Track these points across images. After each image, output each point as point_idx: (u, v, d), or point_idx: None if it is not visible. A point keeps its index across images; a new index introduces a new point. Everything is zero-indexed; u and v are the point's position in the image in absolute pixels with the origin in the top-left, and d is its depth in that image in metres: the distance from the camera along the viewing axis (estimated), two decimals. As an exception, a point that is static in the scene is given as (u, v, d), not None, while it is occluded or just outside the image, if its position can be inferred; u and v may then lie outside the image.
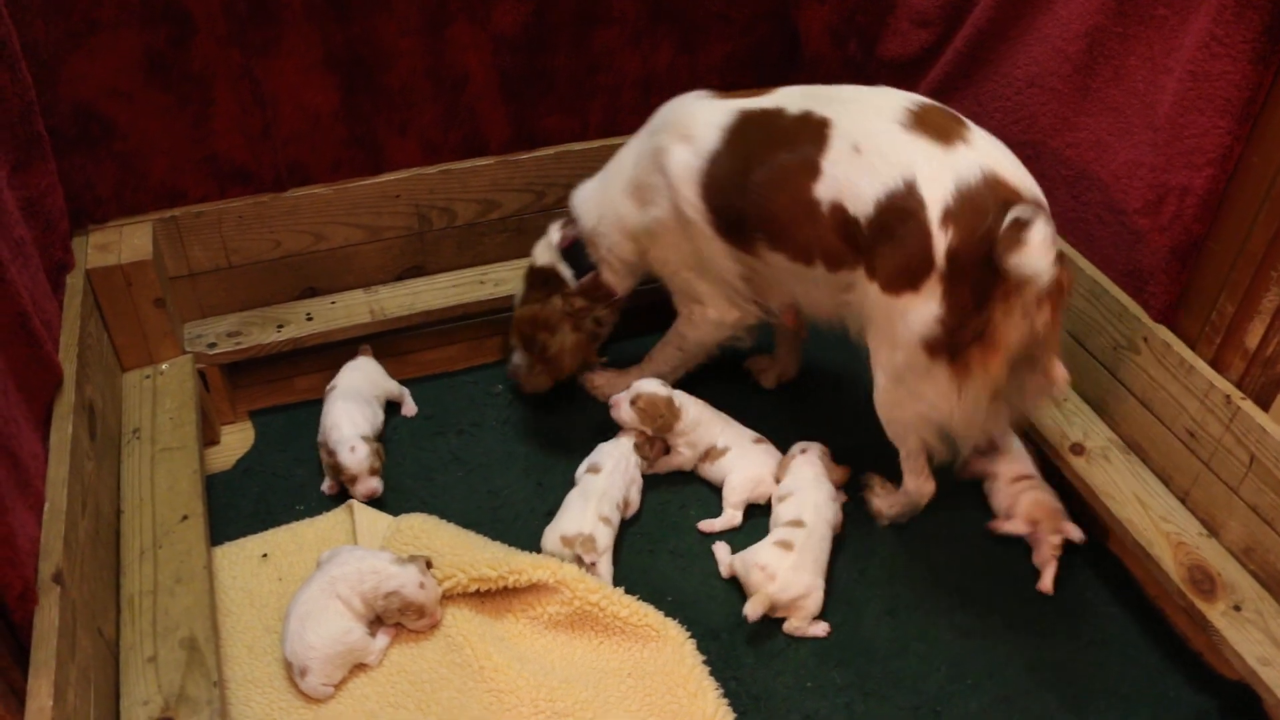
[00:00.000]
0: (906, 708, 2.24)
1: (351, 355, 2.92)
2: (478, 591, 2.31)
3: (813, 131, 2.27)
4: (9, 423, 1.80)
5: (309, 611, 2.16)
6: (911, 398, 2.32)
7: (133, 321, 2.55)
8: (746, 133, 2.38)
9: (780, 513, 2.50)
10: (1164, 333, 2.43)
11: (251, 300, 2.86)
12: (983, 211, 2.08)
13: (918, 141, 2.18)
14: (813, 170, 2.26)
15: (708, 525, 2.60)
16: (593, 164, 2.95)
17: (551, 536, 2.44)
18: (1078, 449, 2.56)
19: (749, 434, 2.71)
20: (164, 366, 2.63)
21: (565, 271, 2.72)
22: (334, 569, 2.22)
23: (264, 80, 2.59)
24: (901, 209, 2.14)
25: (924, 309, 2.16)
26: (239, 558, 2.44)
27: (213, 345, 2.73)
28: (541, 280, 2.76)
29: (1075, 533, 2.49)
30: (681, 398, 2.67)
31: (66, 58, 2.40)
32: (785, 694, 2.25)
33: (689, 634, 2.28)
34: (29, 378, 2.01)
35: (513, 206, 2.99)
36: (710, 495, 2.67)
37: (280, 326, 2.81)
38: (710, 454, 2.67)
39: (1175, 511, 2.41)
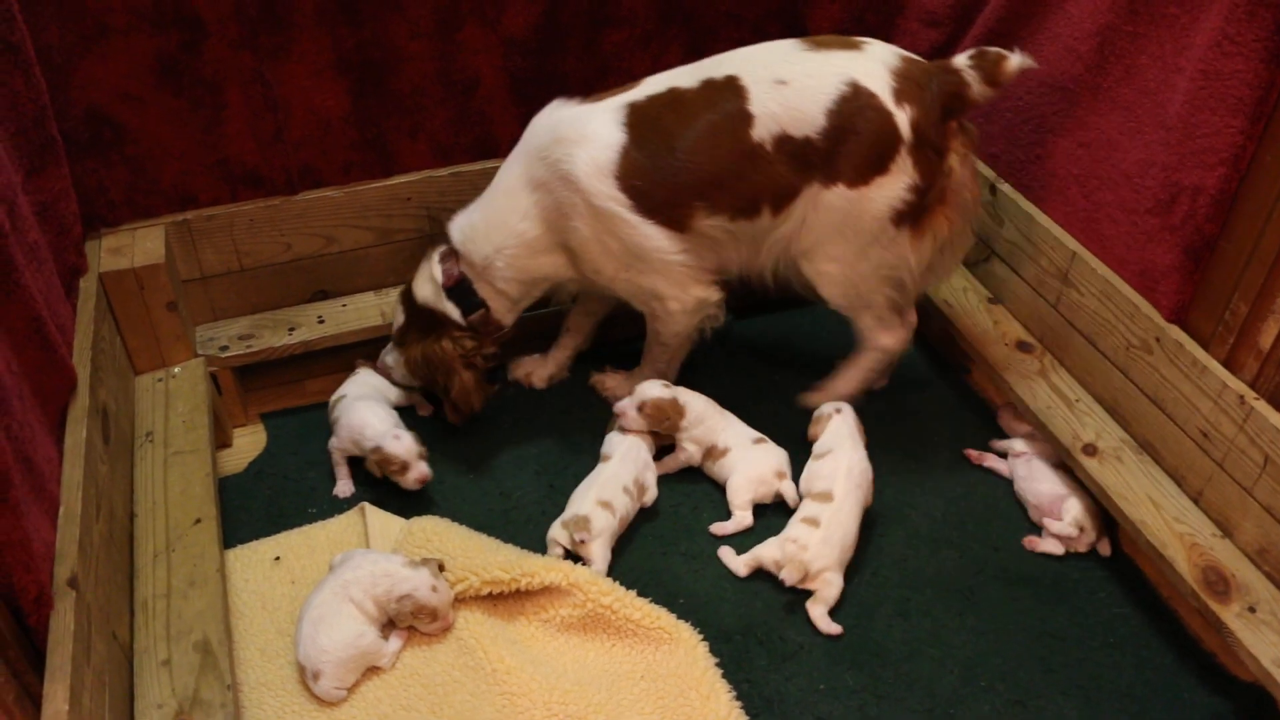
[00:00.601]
0: (920, 710, 2.23)
1: (363, 358, 2.93)
2: (490, 594, 2.32)
3: (724, 89, 2.41)
4: (24, 427, 1.81)
5: (322, 615, 2.17)
6: (871, 271, 2.58)
7: (145, 325, 2.56)
8: (651, 117, 2.43)
9: (816, 470, 2.54)
10: (1177, 333, 2.42)
11: (263, 303, 2.87)
12: (922, 82, 2.40)
13: (832, 54, 2.42)
14: (744, 118, 2.39)
15: (720, 528, 2.59)
16: (603, 166, 2.97)
17: (554, 525, 2.48)
18: (1090, 449, 2.55)
19: (750, 434, 2.70)
20: (176, 369, 2.63)
21: (453, 311, 2.62)
22: (346, 572, 2.23)
23: (275, 84, 2.60)
24: (856, 105, 2.37)
25: (895, 184, 2.42)
26: (251, 561, 2.45)
27: (225, 348, 2.74)
28: (426, 318, 2.66)
29: (1106, 549, 2.55)
30: (685, 396, 2.66)
31: (79, 62, 2.41)
32: (798, 696, 2.24)
33: (701, 636, 2.28)
34: (43, 382, 2.02)
35: (523, 209, 2.99)
36: (722, 497, 2.66)
37: (292, 329, 2.81)
38: (712, 453, 2.67)
39: (1188, 512, 2.41)
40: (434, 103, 2.78)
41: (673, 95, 2.44)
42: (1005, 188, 2.89)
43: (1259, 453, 2.22)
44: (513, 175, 2.54)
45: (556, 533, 2.46)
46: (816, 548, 2.39)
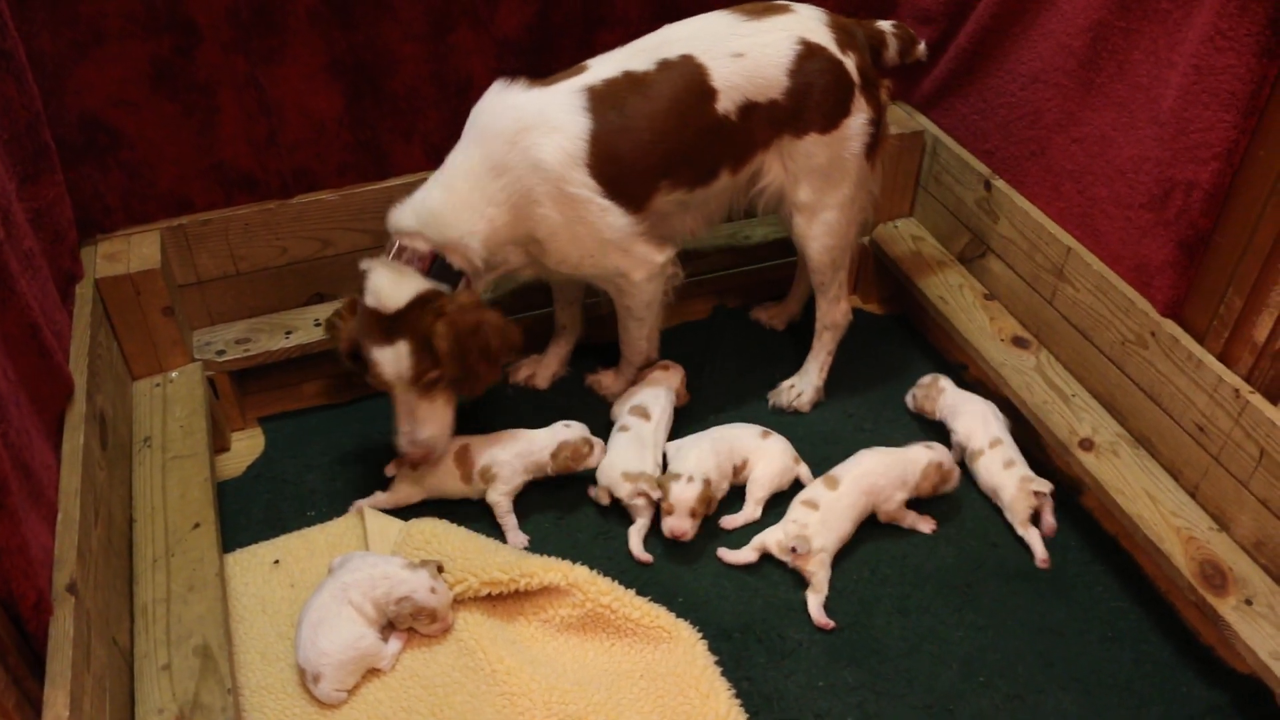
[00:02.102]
0: (919, 706, 2.24)
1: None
2: (489, 595, 2.32)
3: (683, 69, 2.46)
4: (21, 434, 1.81)
5: (321, 618, 2.17)
6: (857, 213, 2.78)
7: (142, 330, 2.56)
8: (614, 101, 2.43)
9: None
10: (1172, 327, 2.42)
11: (260, 307, 2.86)
12: (853, 32, 2.62)
13: (774, 19, 2.55)
14: (709, 94, 2.47)
15: (729, 522, 2.61)
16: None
17: (611, 473, 2.55)
18: (1087, 444, 2.56)
19: (756, 430, 2.71)
20: (174, 374, 2.64)
21: (443, 287, 2.43)
22: (346, 575, 2.23)
23: (269, 87, 2.60)
24: (812, 61, 2.52)
25: (857, 122, 2.61)
26: (251, 564, 2.45)
27: (222, 352, 2.74)
28: (413, 311, 2.39)
29: (1045, 484, 2.61)
30: (703, 466, 2.53)
31: (73, 68, 2.41)
32: (797, 694, 2.25)
33: (700, 635, 2.29)
34: (40, 388, 2.02)
35: (518, 210, 2.98)
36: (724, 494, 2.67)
37: (289, 333, 2.81)
38: (735, 471, 2.65)
39: (1185, 506, 2.41)
40: (428, 104, 2.78)
41: (631, 79, 2.45)
42: (1000, 184, 2.89)
43: (1254, 446, 2.23)
44: (473, 160, 2.44)
45: (614, 481, 2.56)
46: (815, 527, 2.44)
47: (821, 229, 2.71)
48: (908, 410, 2.92)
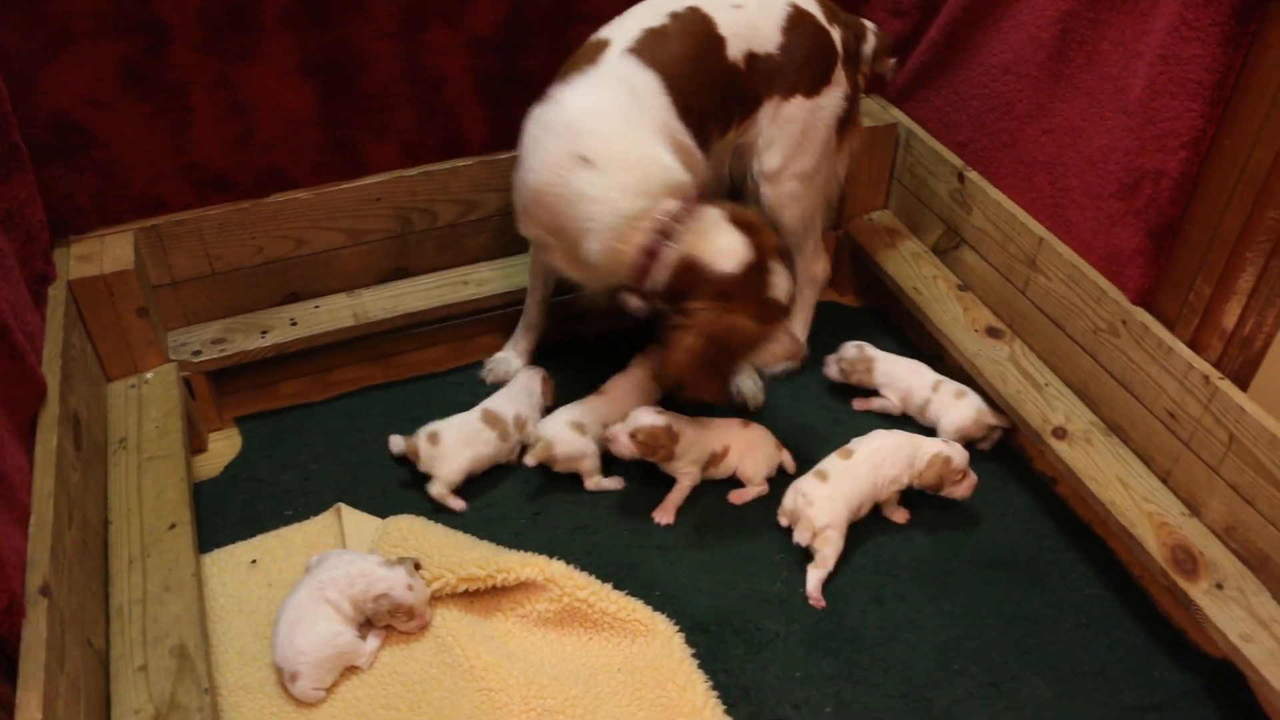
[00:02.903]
0: (895, 695, 2.25)
1: (338, 359, 2.95)
2: (466, 591, 2.32)
3: (692, 19, 2.50)
4: (-8, 437, 1.81)
5: (298, 616, 2.17)
6: (821, 185, 2.82)
7: (116, 331, 2.55)
8: (651, 56, 2.44)
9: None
10: (1142, 315, 2.44)
11: (235, 307, 2.86)
12: (836, 10, 2.70)
13: None
14: (719, 41, 2.51)
15: (739, 496, 2.65)
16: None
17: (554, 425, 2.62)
18: (1060, 432, 2.58)
19: (734, 423, 2.71)
20: (149, 375, 2.63)
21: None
22: (322, 573, 2.23)
23: (241, 87, 2.59)
24: (801, 24, 2.59)
25: (837, 94, 2.68)
26: (228, 564, 2.45)
27: (197, 353, 2.73)
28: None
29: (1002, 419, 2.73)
30: (679, 423, 2.59)
31: (43, 69, 2.40)
32: (774, 684, 2.26)
33: (677, 627, 2.29)
34: (12, 391, 2.01)
35: (494, 206, 2.99)
36: (704, 485, 2.68)
37: (265, 332, 2.81)
38: (714, 459, 2.64)
39: (1157, 492, 2.43)
40: (402, 102, 2.78)
41: (652, 34, 2.46)
42: (973, 175, 2.91)
43: (1224, 432, 2.25)
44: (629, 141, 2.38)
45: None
46: (821, 504, 2.44)
47: (789, 198, 2.75)
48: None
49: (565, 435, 2.60)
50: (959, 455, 2.55)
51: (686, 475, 2.62)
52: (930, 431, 2.75)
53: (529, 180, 2.40)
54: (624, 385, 2.78)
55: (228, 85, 2.58)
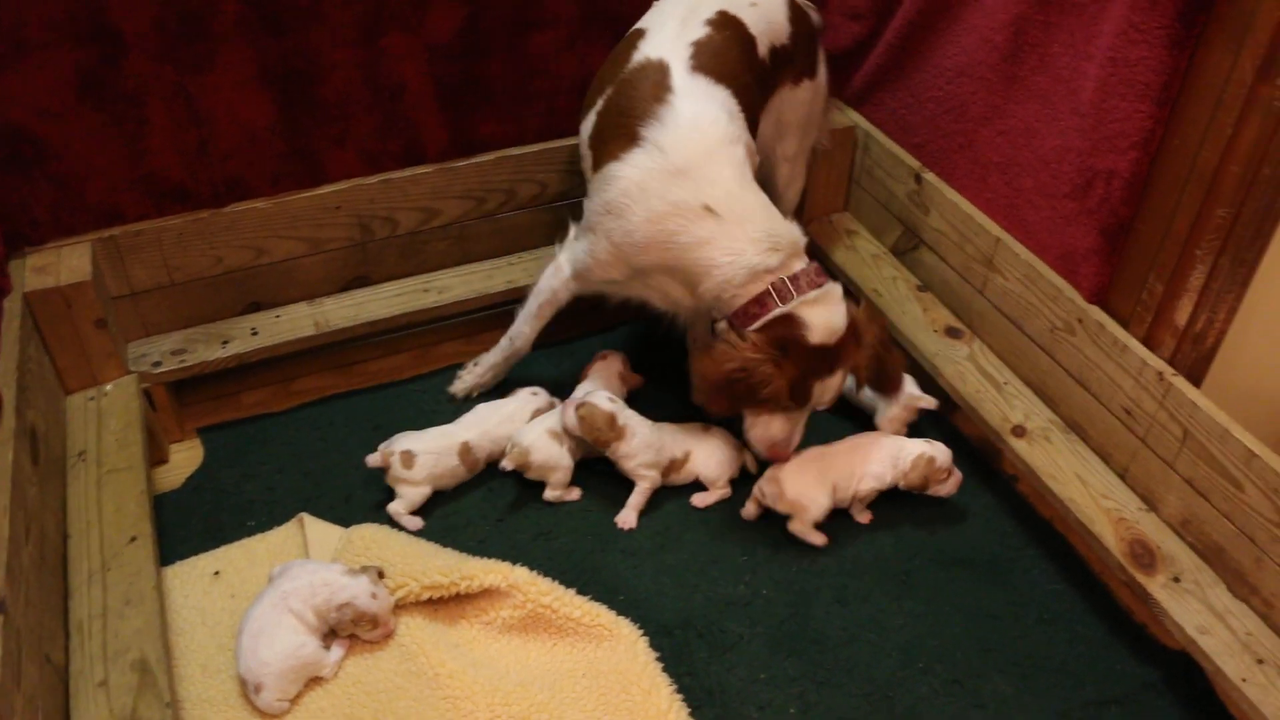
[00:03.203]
0: (859, 694, 2.26)
1: (300, 368, 2.95)
2: (430, 599, 2.32)
3: (727, 25, 2.54)
4: (-53, 452, 1.80)
5: (261, 628, 2.16)
6: (808, 158, 3.02)
7: (74, 343, 2.54)
8: (710, 69, 2.46)
9: None
10: (1097, 313, 2.47)
11: (195, 317, 2.85)
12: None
13: None
14: (751, 41, 2.58)
15: (701, 499, 2.66)
16: (531, 169, 2.98)
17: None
18: (1019, 431, 2.60)
19: (695, 427, 2.72)
20: (108, 387, 2.61)
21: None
22: (285, 583, 2.23)
23: (198, 97, 2.58)
24: (797, 10, 2.72)
25: (824, 74, 2.88)
26: (190, 577, 2.44)
27: (157, 364, 2.72)
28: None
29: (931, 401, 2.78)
30: (633, 422, 2.61)
31: (-4, 80, 2.39)
32: (739, 687, 2.27)
33: (641, 631, 2.30)
34: (-33, 406, 2.00)
35: (454, 213, 2.99)
36: (669, 491, 2.69)
37: (225, 342, 2.80)
38: (674, 465, 2.65)
39: (1115, 488, 2.46)
40: (360, 110, 2.78)
41: (702, 47, 2.47)
42: (930, 177, 2.93)
43: (1179, 427, 2.28)
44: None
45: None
46: (787, 476, 2.52)
47: (799, 174, 2.98)
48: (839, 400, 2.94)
49: (542, 443, 2.59)
50: (942, 455, 2.58)
51: (644, 478, 2.62)
52: (868, 420, 2.80)
53: (639, 230, 2.38)
54: (589, 385, 2.79)
55: (184, 95, 2.57)
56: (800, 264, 2.39)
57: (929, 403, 2.74)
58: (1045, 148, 2.54)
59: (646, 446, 2.60)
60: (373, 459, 2.59)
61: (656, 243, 2.38)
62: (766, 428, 2.47)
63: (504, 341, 2.86)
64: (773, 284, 2.34)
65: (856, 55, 3.09)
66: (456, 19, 2.73)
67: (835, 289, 2.41)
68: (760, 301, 2.35)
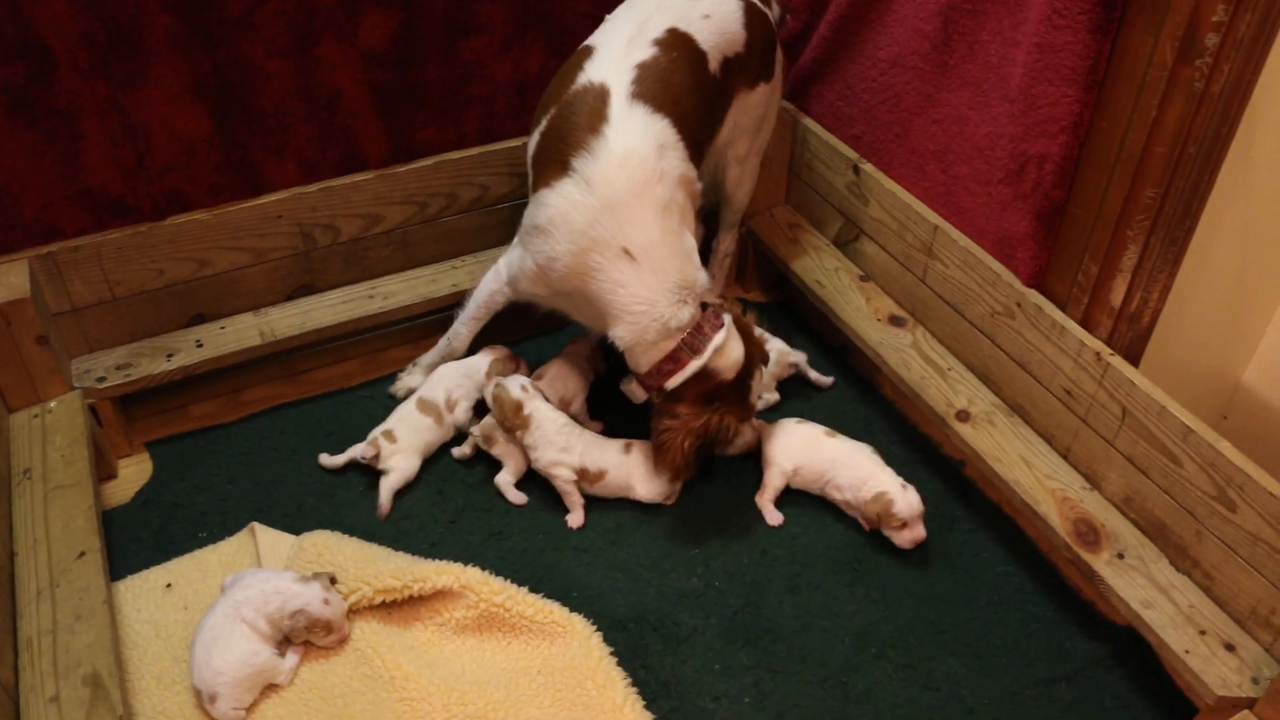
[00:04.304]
0: (814, 681, 2.29)
1: (247, 379, 2.96)
2: (384, 603, 2.32)
3: (677, 44, 2.50)
4: (-114, 473, 1.78)
5: (215, 638, 2.16)
6: (760, 158, 3.02)
7: (15, 361, 2.52)
8: (652, 95, 2.43)
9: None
10: (1035, 296, 2.51)
11: (139, 331, 2.83)
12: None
13: None
14: (702, 58, 2.54)
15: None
16: (471, 172, 2.99)
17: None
18: (963, 415, 2.63)
19: (616, 446, 2.67)
20: (52, 404, 2.60)
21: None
22: (237, 593, 2.22)
23: (133, 111, 2.57)
24: (753, 15, 2.68)
25: (779, 71, 2.88)
26: (142, 590, 2.43)
27: (102, 379, 2.70)
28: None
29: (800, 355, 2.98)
30: (540, 414, 2.62)
31: (-77, 99, 2.37)
32: (694, 678, 2.29)
33: (595, 627, 2.31)
34: (-94, 426, 1.98)
35: (396, 219, 2.99)
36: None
37: (170, 355, 2.78)
38: (586, 476, 2.63)
39: (1059, 468, 2.50)
40: (297, 120, 2.77)
41: (646, 70, 2.44)
42: (868, 167, 2.96)
43: (1118, 406, 2.31)
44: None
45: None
46: (779, 431, 2.70)
47: (749, 174, 2.99)
48: (789, 393, 2.99)
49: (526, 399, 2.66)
50: (903, 503, 2.50)
51: (553, 476, 2.63)
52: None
53: (561, 259, 2.41)
54: (559, 368, 2.82)
55: (119, 109, 2.55)
56: (699, 313, 2.44)
57: (799, 357, 2.93)
58: (978, 135, 2.58)
59: (549, 444, 2.60)
60: (367, 451, 2.67)
61: (576, 273, 2.41)
62: (739, 446, 2.71)
63: (441, 342, 2.92)
64: (684, 340, 2.41)
65: (793, 49, 3.12)
66: (390, 26, 2.73)
67: (727, 320, 2.49)
68: (674, 358, 2.42)
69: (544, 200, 2.41)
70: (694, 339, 2.41)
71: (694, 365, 2.41)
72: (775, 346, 2.91)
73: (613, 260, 2.36)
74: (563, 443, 2.61)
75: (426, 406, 2.74)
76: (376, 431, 2.70)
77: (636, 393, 2.57)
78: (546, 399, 2.68)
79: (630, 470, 2.63)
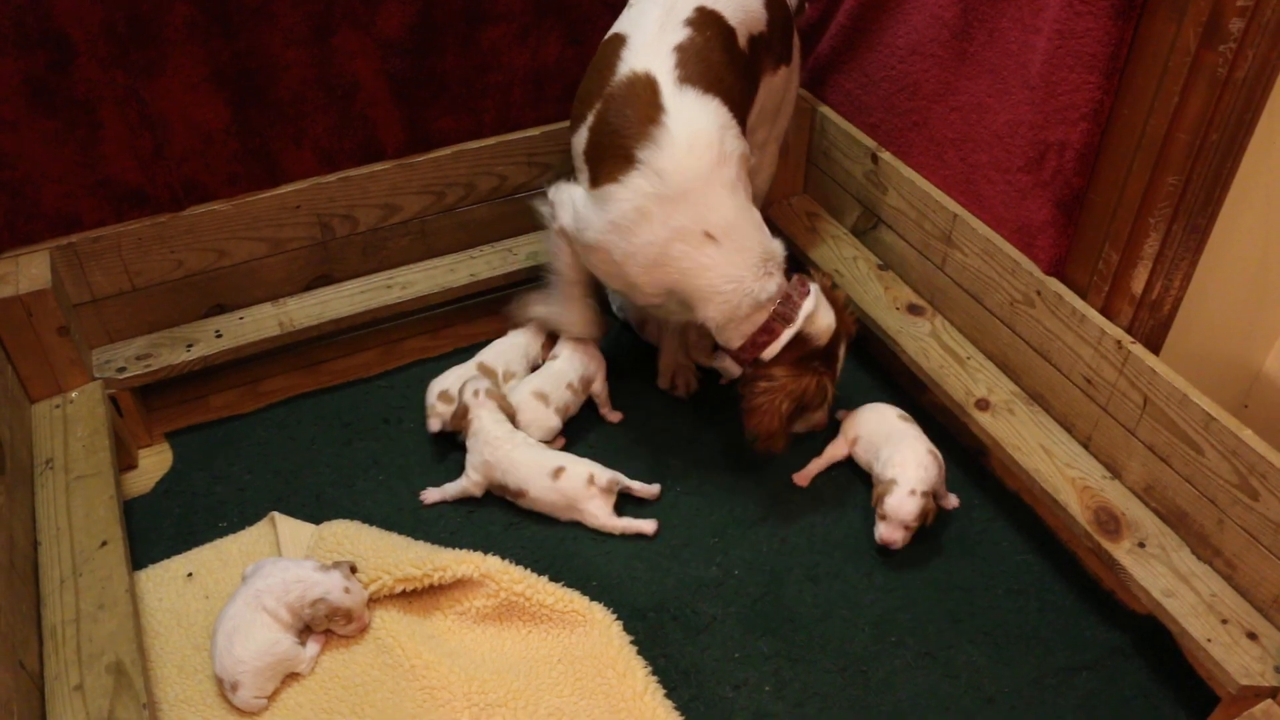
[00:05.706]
0: (833, 669, 2.29)
1: (266, 369, 2.96)
2: (404, 592, 2.33)
3: (707, 22, 2.47)
4: (-89, 463, 1.79)
5: (236, 626, 2.17)
6: (780, 144, 3.00)
7: (37, 352, 2.53)
8: (699, 74, 2.42)
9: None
10: (1055, 284, 2.49)
11: (159, 321, 2.84)
12: None
13: None
14: (731, 34, 2.51)
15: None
16: (489, 162, 2.99)
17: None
18: (983, 404, 2.62)
19: (546, 469, 2.58)
20: (73, 395, 2.61)
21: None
22: (259, 581, 2.23)
23: (151, 101, 2.57)
24: (779, 4, 2.68)
25: (796, 62, 2.84)
26: (164, 579, 2.44)
27: (122, 370, 2.71)
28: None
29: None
30: (480, 424, 2.62)
31: (-55, 91, 2.37)
32: (713, 666, 2.29)
33: (615, 616, 2.31)
34: (-70, 416, 1.99)
35: (414, 209, 2.99)
36: (632, 466, 2.69)
37: (190, 346, 2.79)
38: (507, 492, 2.60)
39: (1079, 457, 2.49)
40: (315, 109, 2.77)
41: (685, 53, 2.41)
42: (887, 156, 2.95)
43: (1139, 394, 2.30)
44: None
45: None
46: (863, 413, 2.76)
47: (769, 161, 2.93)
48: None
49: (529, 404, 2.70)
50: (895, 503, 2.47)
51: (467, 477, 2.64)
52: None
53: (644, 252, 2.38)
54: (571, 348, 2.85)
55: (137, 99, 2.56)
56: (782, 277, 2.45)
57: None
58: (998, 122, 2.57)
59: (475, 451, 2.61)
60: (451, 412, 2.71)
61: (659, 265, 2.39)
62: (815, 420, 2.67)
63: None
64: (775, 311, 2.42)
65: (811, 37, 3.11)
66: (408, 14, 2.73)
67: (815, 289, 2.48)
68: (768, 330, 2.42)
69: (612, 196, 2.37)
70: (785, 308, 2.42)
71: (788, 334, 2.42)
72: None
73: (697, 245, 2.35)
74: (493, 458, 2.57)
75: (484, 370, 2.82)
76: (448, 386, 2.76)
77: (731, 369, 2.62)
78: (544, 394, 2.74)
79: (564, 493, 2.56)
